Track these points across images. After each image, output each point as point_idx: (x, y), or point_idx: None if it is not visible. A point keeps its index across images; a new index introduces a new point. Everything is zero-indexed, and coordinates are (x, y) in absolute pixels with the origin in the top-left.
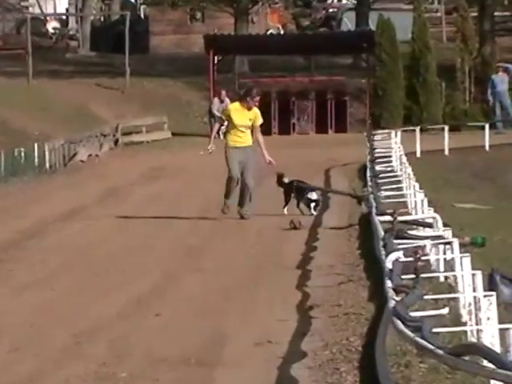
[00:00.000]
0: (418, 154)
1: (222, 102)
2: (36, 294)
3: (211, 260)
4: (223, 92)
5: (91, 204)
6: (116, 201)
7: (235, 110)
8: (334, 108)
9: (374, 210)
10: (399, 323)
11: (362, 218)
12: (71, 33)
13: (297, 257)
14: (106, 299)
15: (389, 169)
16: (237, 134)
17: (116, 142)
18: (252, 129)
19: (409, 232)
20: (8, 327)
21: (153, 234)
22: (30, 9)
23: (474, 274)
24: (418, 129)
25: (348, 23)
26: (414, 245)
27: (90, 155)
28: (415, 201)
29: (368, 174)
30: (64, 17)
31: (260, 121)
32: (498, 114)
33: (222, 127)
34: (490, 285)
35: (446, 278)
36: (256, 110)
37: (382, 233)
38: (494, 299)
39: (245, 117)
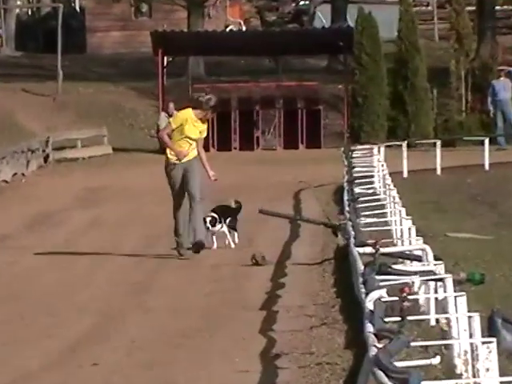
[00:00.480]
0: (405, 174)
1: (170, 115)
2: None
3: (159, 299)
4: (171, 105)
5: (16, 232)
6: (46, 229)
7: (190, 118)
8: (305, 119)
9: (352, 241)
10: (381, 375)
11: (339, 249)
12: None
13: (261, 296)
14: (34, 346)
15: (370, 191)
16: (182, 147)
17: (46, 158)
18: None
19: (393, 266)
20: None
21: (90, 268)
22: None
23: (470, 317)
24: (404, 144)
25: (322, 18)
26: (400, 281)
27: (15, 174)
28: (401, 229)
29: (345, 197)
30: None
31: (205, 133)
32: (500, 126)
33: None
34: (490, 330)
35: (438, 321)
36: (205, 122)
37: (362, 267)
38: (494, 347)
39: (196, 128)
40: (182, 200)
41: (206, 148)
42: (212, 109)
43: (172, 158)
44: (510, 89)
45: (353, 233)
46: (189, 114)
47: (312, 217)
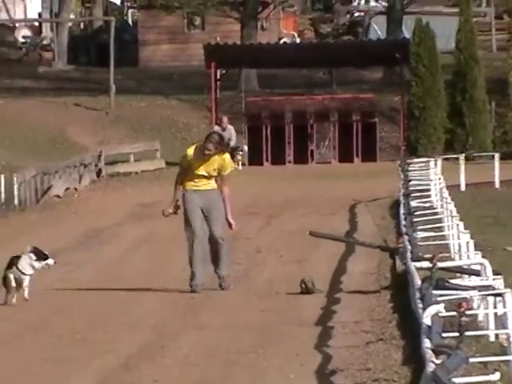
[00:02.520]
0: (463, 187)
1: (223, 130)
2: (0, 359)
3: (213, 316)
4: (224, 118)
5: (68, 248)
6: (98, 244)
7: (196, 156)
8: (360, 132)
9: (409, 255)
10: None
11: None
12: (45, 42)
13: (316, 311)
14: (87, 364)
15: (427, 205)
16: (198, 178)
17: (98, 173)
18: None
19: (451, 281)
20: None
21: (142, 284)
22: None
23: None
24: (462, 157)
25: (377, 30)
26: (458, 296)
27: (68, 189)
28: (459, 243)
29: (402, 211)
30: (36, 23)
31: (229, 169)
32: None
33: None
34: None
35: (497, 336)
36: (225, 156)
37: (419, 282)
38: None
39: (208, 165)
40: (200, 233)
41: (260, 162)
42: (214, 145)
43: (188, 186)
44: None
45: (409, 247)
46: (192, 151)
47: (367, 232)
